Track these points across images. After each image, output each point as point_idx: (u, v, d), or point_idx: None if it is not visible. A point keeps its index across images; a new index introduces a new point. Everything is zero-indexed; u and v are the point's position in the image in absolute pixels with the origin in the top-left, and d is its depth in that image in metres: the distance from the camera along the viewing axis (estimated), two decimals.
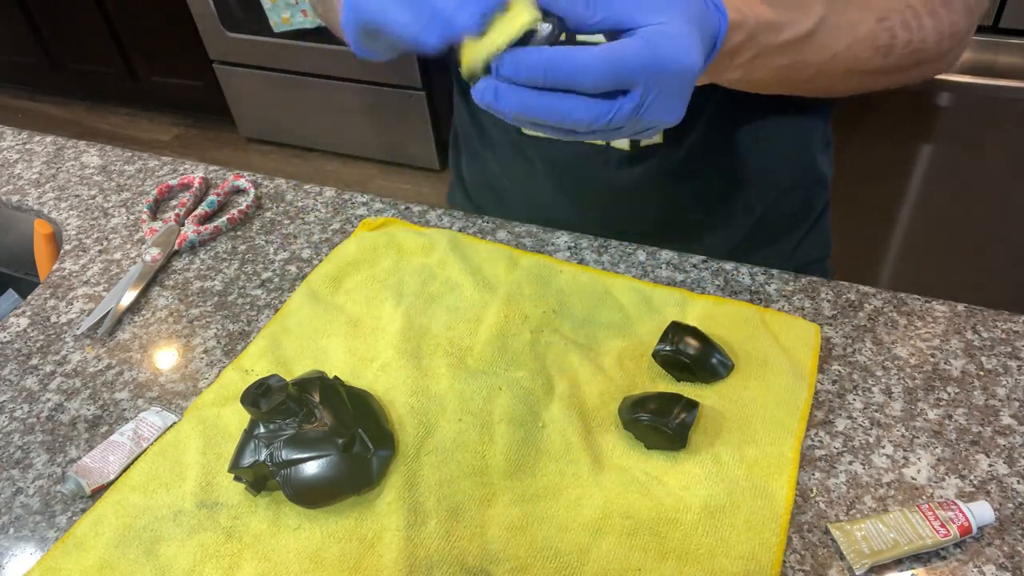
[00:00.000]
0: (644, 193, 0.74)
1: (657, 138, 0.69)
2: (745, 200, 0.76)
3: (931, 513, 0.49)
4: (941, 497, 0.51)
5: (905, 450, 0.54)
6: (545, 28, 0.41)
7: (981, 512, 0.49)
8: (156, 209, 0.82)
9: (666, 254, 0.71)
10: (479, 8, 0.40)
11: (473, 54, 0.41)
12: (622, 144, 0.70)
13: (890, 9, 0.56)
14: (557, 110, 0.41)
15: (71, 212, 0.83)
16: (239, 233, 0.78)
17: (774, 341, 0.61)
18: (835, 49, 0.55)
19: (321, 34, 2.25)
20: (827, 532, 0.49)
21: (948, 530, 0.48)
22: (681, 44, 0.42)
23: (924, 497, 0.51)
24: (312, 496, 0.52)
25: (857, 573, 0.47)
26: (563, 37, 0.42)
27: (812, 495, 0.52)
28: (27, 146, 0.95)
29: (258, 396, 0.53)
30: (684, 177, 0.72)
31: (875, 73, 0.58)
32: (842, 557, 0.48)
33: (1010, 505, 0.50)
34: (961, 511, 0.48)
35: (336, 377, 0.58)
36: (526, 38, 0.41)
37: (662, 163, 0.70)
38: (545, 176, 0.77)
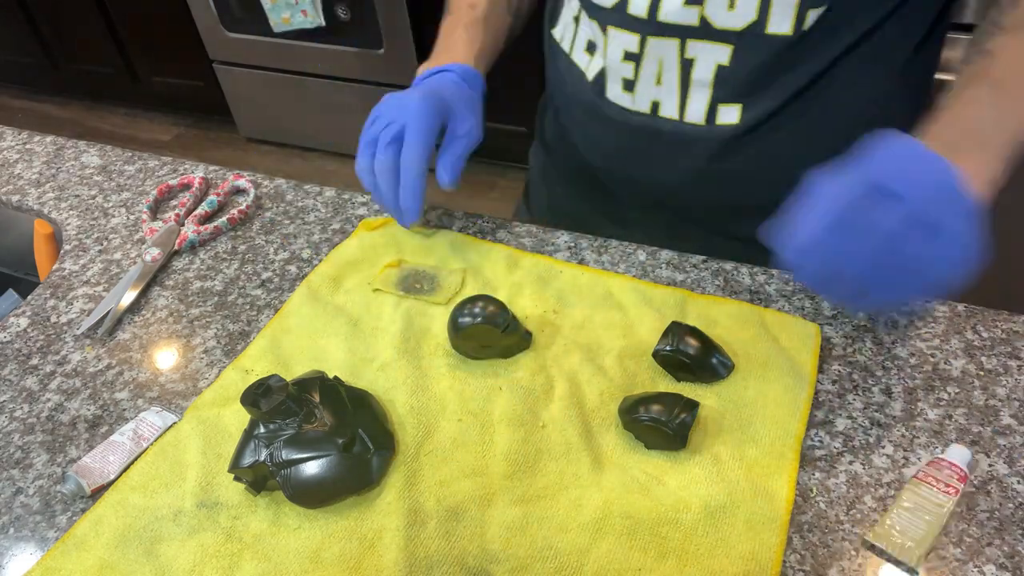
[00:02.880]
0: (710, 171, 0.72)
1: (735, 119, 0.68)
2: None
3: (931, 479, 0.50)
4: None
5: (905, 450, 0.54)
6: None
7: (962, 456, 0.51)
8: (156, 209, 0.82)
9: (666, 254, 0.71)
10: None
11: None
12: (697, 119, 0.69)
13: None
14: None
15: (71, 212, 0.83)
16: (239, 233, 0.78)
17: (774, 341, 0.61)
18: None
19: (321, 34, 2.25)
20: (863, 544, 0.49)
21: (954, 487, 0.50)
22: None
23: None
24: (312, 496, 0.52)
25: (917, 569, 0.47)
26: None
27: (812, 495, 0.52)
28: (27, 146, 0.95)
29: (258, 396, 0.53)
30: (753, 158, 0.71)
31: None
32: (897, 563, 0.48)
33: (1010, 505, 0.50)
34: (950, 464, 0.51)
35: (336, 377, 0.58)
36: None
37: (733, 142, 0.69)
38: (621, 143, 0.76)
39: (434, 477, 0.54)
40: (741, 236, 0.74)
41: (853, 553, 0.49)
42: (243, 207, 0.79)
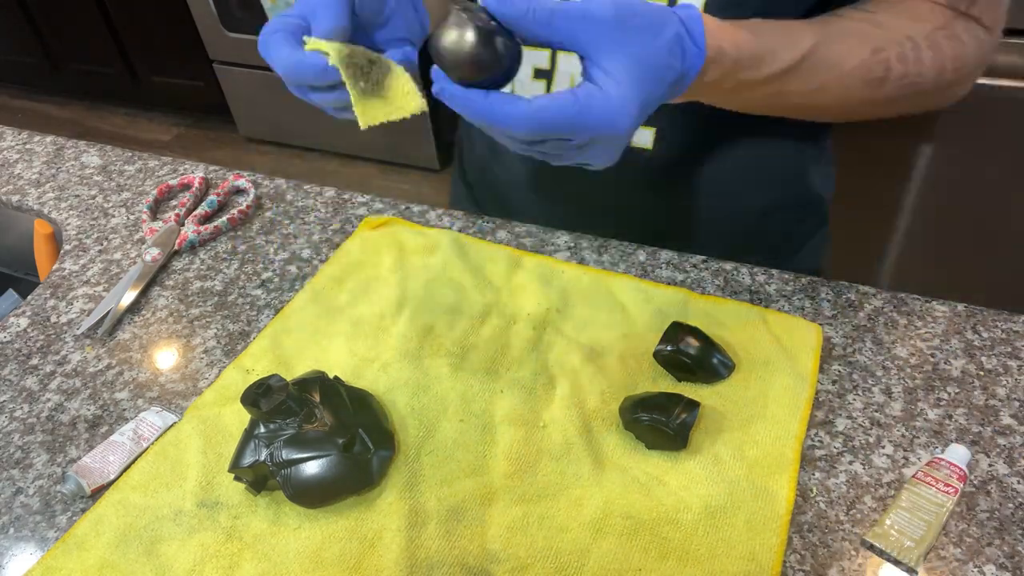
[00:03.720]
0: (627, 200, 0.73)
1: (647, 143, 0.68)
2: (726, 216, 0.75)
3: (930, 478, 0.50)
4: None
5: (905, 450, 0.54)
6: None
7: (961, 455, 0.51)
8: (156, 209, 0.82)
9: (666, 254, 0.71)
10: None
11: None
12: None
13: (888, 40, 0.55)
14: (497, 116, 0.44)
15: (71, 212, 0.83)
16: (239, 233, 0.78)
17: (775, 341, 0.61)
18: (822, 79, 0.54)
19: None
20: (863, 544, 0.49)
21: (953, 486, 0.50)
22: (613, 109, 0.43)
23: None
24: (312, 496, 0.52)
25: (917, 568, 0.47)
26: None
27: (812, 495, 0.52)
28: (27, 146, 0.95)
29: (258, 396, 0.53)
30: (666, 188, 0.72)
31: (865, 103, 0.57)
32: (896, 563, 0.48)
33: (1010, 505, 0.50)
34: (949, 464, 0.51)
35: (336, 377, 0.58)
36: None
37: (646, 170, 0.70)
38: (531, 174, 0.77)
39: (435, 477, 0.54)
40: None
41: (853, 553, 0.49)
42: (243, 207, 0.79)
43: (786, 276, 0.68)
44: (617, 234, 0.74)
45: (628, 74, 0.43)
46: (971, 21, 0.57)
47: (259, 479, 0.53)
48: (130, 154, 0.91)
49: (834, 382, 0.59)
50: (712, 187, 0.73)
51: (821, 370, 0.60)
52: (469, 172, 0.87)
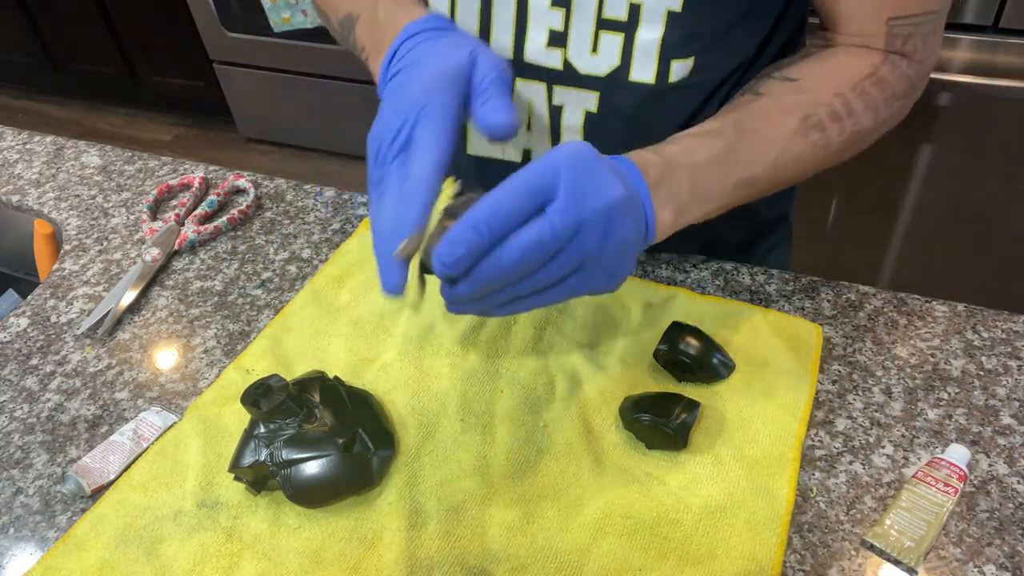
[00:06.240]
0: None
1: None
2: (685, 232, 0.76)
3: (930, 478, 0.50)
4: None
5: (905, 450, 0.54)
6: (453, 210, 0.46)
7: (961, 455, 0.52)
8: (156, 209, 0.82)
9: (666, 254, 0.71)
10: (399, 275, 0.45)
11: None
12: None
13: (814, 103, 0.56)
14: (499, 256, 0.43)
15: (71, 212, 0.83)
16: (239, 233, 0.78)
17: (775, 341, 0.61)
18: (769, 156, 0.55)
19: (321, 34, 2.25)
20: (863, 544, 0.49)
21: (953, 486, 0.50)
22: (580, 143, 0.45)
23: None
24: (312, 496, 0.52)
25: (917, 568, 0.47)
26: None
27: (812, 495, 0.52)
28: (27, 146, 0.95)
29: (258, 396, 0.53)
30: None
31: (825, 161, 0.58)
32: (896, 563, 0.48)
33: (1010, 505, 0.50)
34: (949, 464, 0.51)
35: (336, 377, 0.58)
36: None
37: None
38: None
39: (435, 477, 0.54)
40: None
41: (853, 553, 0.49)
42: (243, 207, 0.79)
43: (786, 276, 0.68)
44: None
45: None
46: (900, 58, 0.58)
47: (259, 479, 0.53)
48: (130, 154, 0.91)
49: (834, 382, 0.59)
50: None
51: (821, 370, 0.60)
52: None
